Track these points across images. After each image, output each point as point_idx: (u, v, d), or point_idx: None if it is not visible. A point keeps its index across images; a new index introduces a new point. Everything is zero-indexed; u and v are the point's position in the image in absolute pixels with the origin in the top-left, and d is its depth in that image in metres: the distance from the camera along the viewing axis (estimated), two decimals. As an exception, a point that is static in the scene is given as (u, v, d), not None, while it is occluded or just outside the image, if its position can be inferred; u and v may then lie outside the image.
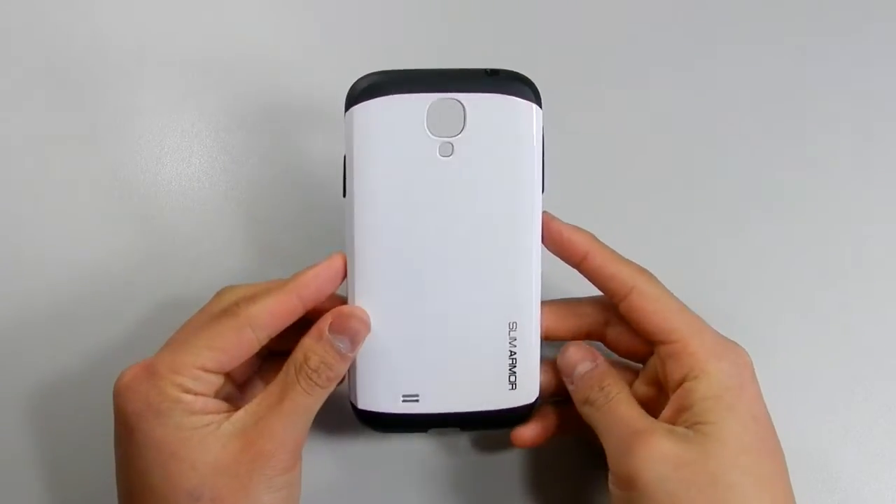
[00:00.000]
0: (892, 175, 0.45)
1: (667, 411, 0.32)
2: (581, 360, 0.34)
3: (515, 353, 0.33)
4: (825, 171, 0.44)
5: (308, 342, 0.32)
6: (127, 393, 0.30)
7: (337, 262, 0.32)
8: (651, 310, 0.32)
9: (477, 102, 0.31)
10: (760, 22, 0.47)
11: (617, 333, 0.34)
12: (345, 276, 0.32)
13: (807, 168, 0.44)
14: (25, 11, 0.45)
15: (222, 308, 0.32)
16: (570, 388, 0.34)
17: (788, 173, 0.44)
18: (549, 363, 0.35)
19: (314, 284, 0.32)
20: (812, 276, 0.42)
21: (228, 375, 0.33)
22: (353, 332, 0.32)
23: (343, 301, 0.33)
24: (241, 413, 0.31)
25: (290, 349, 0.32)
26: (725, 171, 0.44)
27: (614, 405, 0.32)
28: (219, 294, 0.33)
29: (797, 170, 0.44)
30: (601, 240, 0.34)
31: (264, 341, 0.31)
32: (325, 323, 0.32)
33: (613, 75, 0.46)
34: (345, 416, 0.35)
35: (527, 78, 0.32)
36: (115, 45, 0.45)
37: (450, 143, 0.32)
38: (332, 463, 0.38)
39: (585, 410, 0.33)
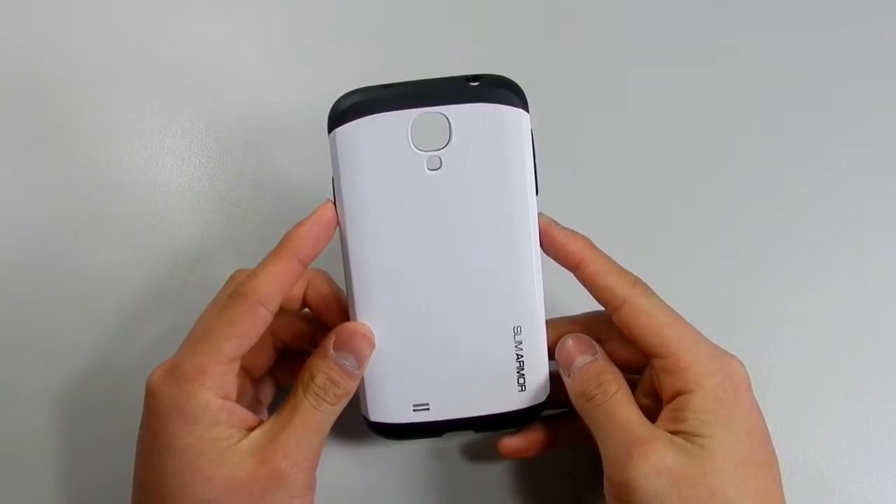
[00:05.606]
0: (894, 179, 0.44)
1: (661, 422, 0.32)
2: (581, 352, 0.33)
3: (522, 357, 0.33)
4: (826, 173, 0.44)
5: (314, 361, 0.32)
6: (157, 394, 0.30)
7: (327, 213, 0.31)
8: (643, 323, 0.32)
9: (461, 114, 0.31)
10: (756, 21, 0.46)
11: (612, 347, 0.34)
12: (337, 224, 0.32)
13: (808, 170, 0.44)
14: (27, 12, 0.45)
15: (230, 291, 0.31)
16: (567, 380, 0.33)
17: (788, 176, 0.44)
18: None
19: (308, 241, 0.31)
20: (812, 285, 0.42)
21: (246, 371, 0.34)
22: (356, 349, 0.32)
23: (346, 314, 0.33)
24: (256, 432, 0.31)
25: (303, 348, 0.33)
26: (724, 173, 0.43)
27: (613, 405, 0.32)
28: (231, 277, 0.34)
29: (797, 172, 0.44)
30: (601, 239, 0.33)
31: (276, 310, 0.31)
32: (329, 341, 0.32)
33: (610, 74, 0.45)
34: (342, 421, 0.35)
35: (510, 82, 0.31)
36: (116, 46, 0.45)
37: (437, 156, 0.31)
38: (327, 465, 0.39)
39: (581, 405, 0.32)
